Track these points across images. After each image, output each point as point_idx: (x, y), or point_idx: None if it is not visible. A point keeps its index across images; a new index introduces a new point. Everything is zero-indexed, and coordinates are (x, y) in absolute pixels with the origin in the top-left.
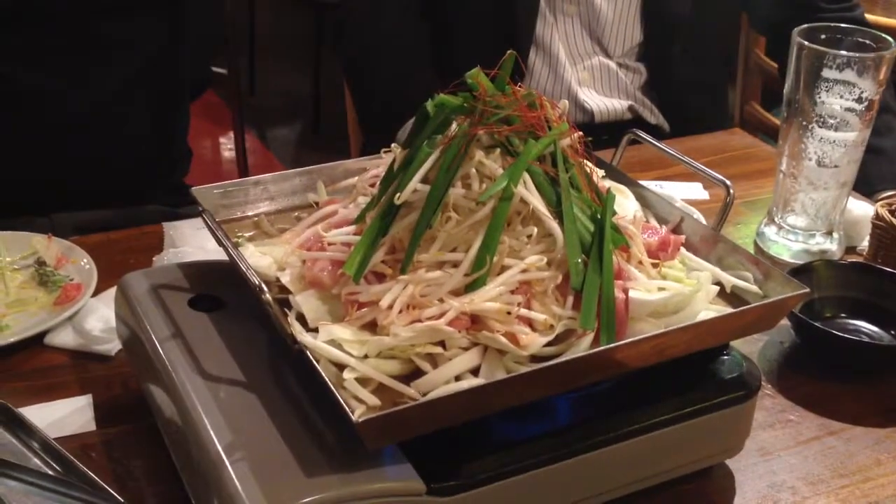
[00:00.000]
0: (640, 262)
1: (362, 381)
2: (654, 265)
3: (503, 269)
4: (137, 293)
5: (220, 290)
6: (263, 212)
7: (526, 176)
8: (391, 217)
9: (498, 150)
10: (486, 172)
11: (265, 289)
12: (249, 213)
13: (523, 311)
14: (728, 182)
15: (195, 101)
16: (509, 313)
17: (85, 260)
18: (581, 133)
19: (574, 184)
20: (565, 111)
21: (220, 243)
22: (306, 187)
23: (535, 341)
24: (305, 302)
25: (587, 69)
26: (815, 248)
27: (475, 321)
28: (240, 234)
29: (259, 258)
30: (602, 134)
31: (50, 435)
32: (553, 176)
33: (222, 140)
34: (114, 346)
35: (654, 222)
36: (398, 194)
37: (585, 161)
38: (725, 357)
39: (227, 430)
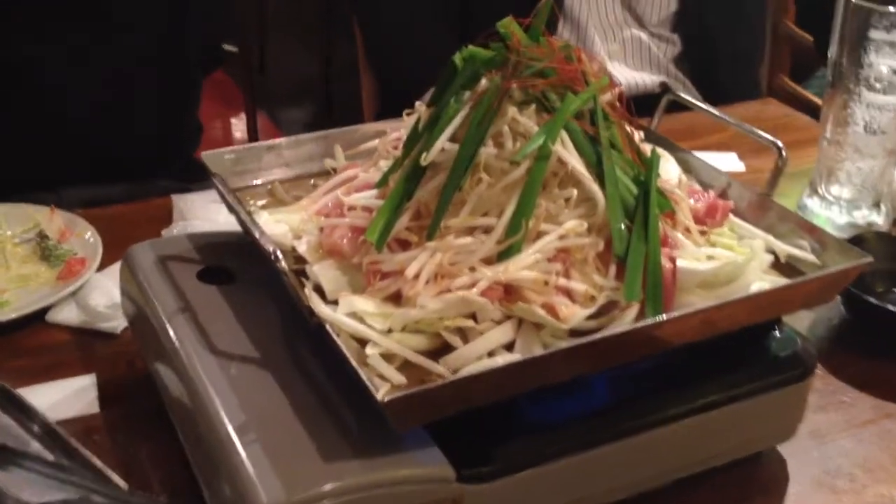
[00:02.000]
0: (687, 230)
1: (386, 357)
2: (702, 233)
3: (539, 235)
4: (143, 266)
5: (231, 262)
6: (278, 179)
7: (564, 134)
8: (416, 180)
9: (533, 107)
10: (521, 130)
11: (280, 256)
12: (263, 181)
13: (562, 281)
14: (780, 143)
15: (207, 76)
16: (547, 283)
17: (89, 233)
18: (622, 88)
19: (614, 144)
20: (604, 66)
21: (231, 210)
22: (324, 153)
23: (575, 314)
24: (323, 272)
25: (618, 41)
26: (861, 220)
27: (509, 292)
28: (252, 202)
29: (274, 226)
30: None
31: (51, 417)
32: (592, 135)
33: (233, 121)
34: (119, 323)
35: (698, 188)
36: (424, 154)
37: (626, 120)
38: (778, 333)
39: (240, 410)
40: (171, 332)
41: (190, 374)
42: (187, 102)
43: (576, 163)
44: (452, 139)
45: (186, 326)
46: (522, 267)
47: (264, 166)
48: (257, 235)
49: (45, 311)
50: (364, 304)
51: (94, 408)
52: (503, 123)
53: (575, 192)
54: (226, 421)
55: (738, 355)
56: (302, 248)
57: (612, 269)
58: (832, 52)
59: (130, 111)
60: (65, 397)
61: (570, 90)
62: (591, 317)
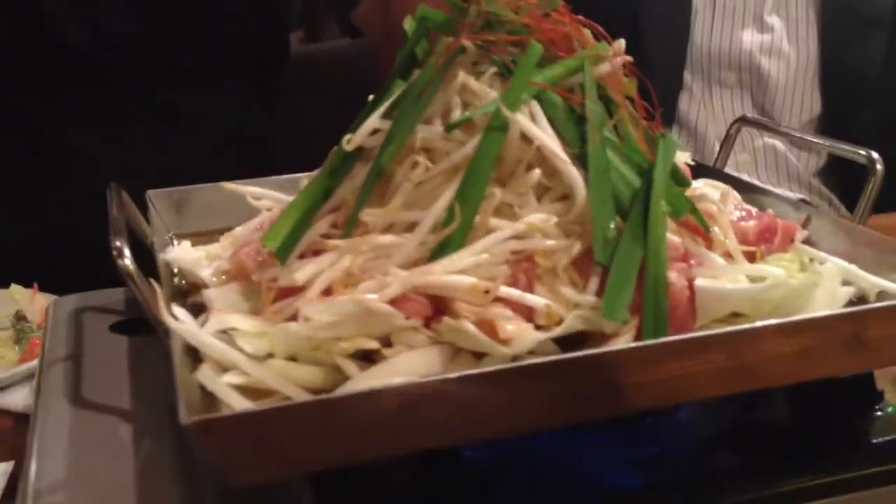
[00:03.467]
0: (728, 254)
1: (256, 392)
2: (749, 257)
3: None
4: (57, 318)
5: None
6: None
7: (535, 106)
8: (342, 173)
9: (491, 71)
10: (476, 103)
11: (126, 252)
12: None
13: (507, 291)
14: (874, 154)
15: None
16: (487, 292)
17: None
18: (630, 59)
19: (618, 128)
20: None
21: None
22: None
23: (522, 335)
24: (220, 296)
25: (748, 151)
26: None
27: (442, 309)
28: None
29: (186, 252)
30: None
31: None
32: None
33: None
34: None
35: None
36: (348, 137)
37: (637, 103)
38: (878, 413)
39: (60, 468)
40: (42, 378)
41: (35, 421)
42: None
43: (548, 140)
44: (389, 117)
45: (61, 374)
46: (455, 270)
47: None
48: (116, 244)
49: None
50: (240, 321)
51: None
52: (452, 93)
53: (538, 174)
54: (31, 477)
55: (812, 437)
56: (206, 272)
57: (594, 282)
58: None
59: None
60: None
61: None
62: (565, 347)
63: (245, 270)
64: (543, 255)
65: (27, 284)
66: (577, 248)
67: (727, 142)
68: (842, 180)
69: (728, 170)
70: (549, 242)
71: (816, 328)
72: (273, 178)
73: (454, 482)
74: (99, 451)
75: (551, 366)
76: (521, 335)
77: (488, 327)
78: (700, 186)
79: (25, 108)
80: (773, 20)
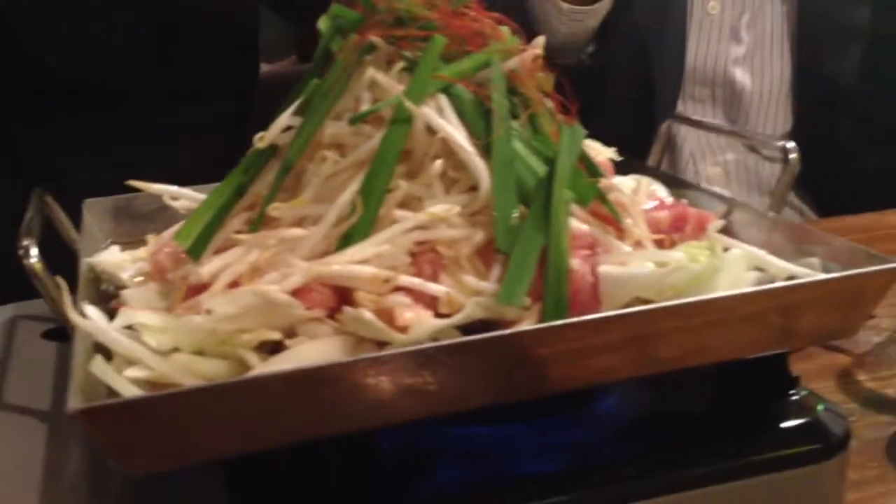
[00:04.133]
0: (639, 243)
1: (163, 386)
2: (660, 244)
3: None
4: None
5: None
6: None
7: (442, 99)
8: (255, 170)
9: (399, 66)
10: (385, 97)
11: (32, 251)
12: None
13: (412, 281)
14: (789, 145)
15: None
16: (387, 281)
17: None
18: (541, 55)
19: (524, 119)
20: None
21: None
22: None
23: (420, 322)
24: (136, 295)
25: (719, 164)
26: None
27: (346, 299)
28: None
29: (111, 255)
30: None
31: None
32: (486, 102)
33: None
34: None
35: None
36: (260, 135)
37: (550, 96)
38: (793, 398)
39: None
40: None
41: None
42: None
43: (452, 132)
44: (302, 115)
45: None
46: (355, 260)
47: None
48: (24, 243)
49: None
50: (147, 317)
51: None
52: (361, 89)
53: (440, 165)
54: None
55: (728, 422)
56: (126, 274)
57: (496, 270)
58: None
59: None
60: None
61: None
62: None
63: (163, 270)
64: (446, 245)
65: None
66: (480, 237)
67: (658, 139)
68: (814, 191)
69: (703, 184)
70: (452, 232)
71: (705, 309)
72: None
73: (372, 473)
74: (9, 448)
75: (430, 352)
76: (419, 322)
77: (387, 316)
78: (622, 180)
79: (29, 136)
80: (747, 34)
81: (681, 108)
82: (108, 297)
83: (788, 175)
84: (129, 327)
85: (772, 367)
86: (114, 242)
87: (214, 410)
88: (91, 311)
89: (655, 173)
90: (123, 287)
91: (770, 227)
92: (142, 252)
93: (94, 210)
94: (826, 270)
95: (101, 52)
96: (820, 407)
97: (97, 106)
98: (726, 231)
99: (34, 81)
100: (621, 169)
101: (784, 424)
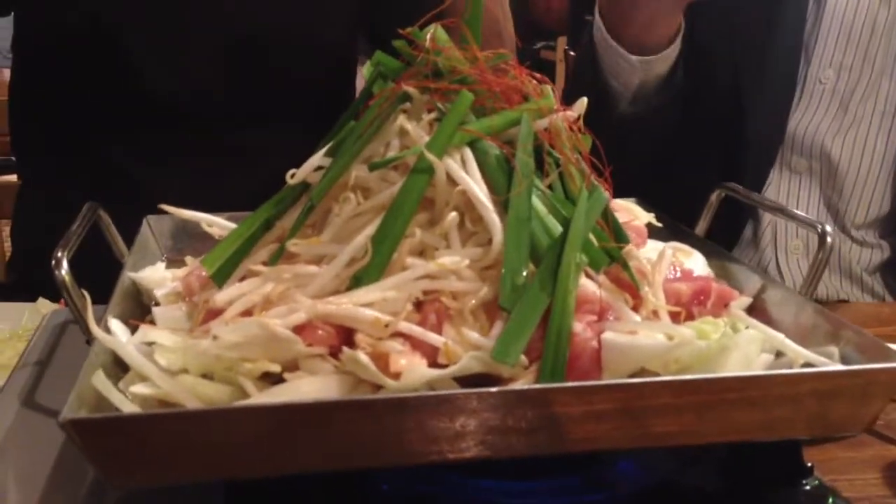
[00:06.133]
0: (655, 314)
1: (169, 404)
2: (676, 317)
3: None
4: (48, 326)
5: None
6: None
7: (467, 152)
8: (286, 205)
9: (429, 117)
10: (412, 146)
11: (63, 264)
12: None
13: (413, 329)
14: (823, 227)
15: None
16: (387, 326)
17: None
18: (575, 117)
19: (552, 178)
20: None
21: None
22: None
23: (413, 370)
24: (164, 314)
25: (800, 237)
26: None
27: (349, 340)
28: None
29: (155, 272)
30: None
31: None
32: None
33: None
34: None
35: (705, 272)
36: (292, 172)
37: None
38: (805, 487)
39: None
40: (9, 380)
41: None
42: None
43: (472, 185)
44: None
45: (27, 376)
46: (360, 302)
47: None
48: (57, 255)
49: None
50: (163, 336)
51: None
52: (391, 136)
53: (455, 217)
54: None
55: None
56: (161, 291)
57: (499, 326)
58: None
59: None
60: None
61: (500, 107)
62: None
63: (192, 292)
64: (452, 297)
65: (55, 299)
66: (487, 292)
67: (708, 209)
68: (892, 276)
69: (780, 255)
70: (459, 284)
71: (695, 389)
72: None
73: None
74: (28, 446)
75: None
76: (412, 370)
77: (382, 360)
78: (660, 247)
79: (103, 145)
80: (859, 109)
81: (775, 176)
82: (148, 312)
83: (823, 260)
84: (149, 344)
85: (785, 455)
86: (168, 259)
87: (197, 435)
88: (115, 324)
89: (698, 242)
90: (157, 304)
91: (798, 311)
92: (182, 272)
93: (154, 226)
94: (844, 361)
95: (190, 74)
96: (830, 500)
97: (185, 126)
98: (758, 309)
99: (120, 95)
100: (666, 235)
101: None
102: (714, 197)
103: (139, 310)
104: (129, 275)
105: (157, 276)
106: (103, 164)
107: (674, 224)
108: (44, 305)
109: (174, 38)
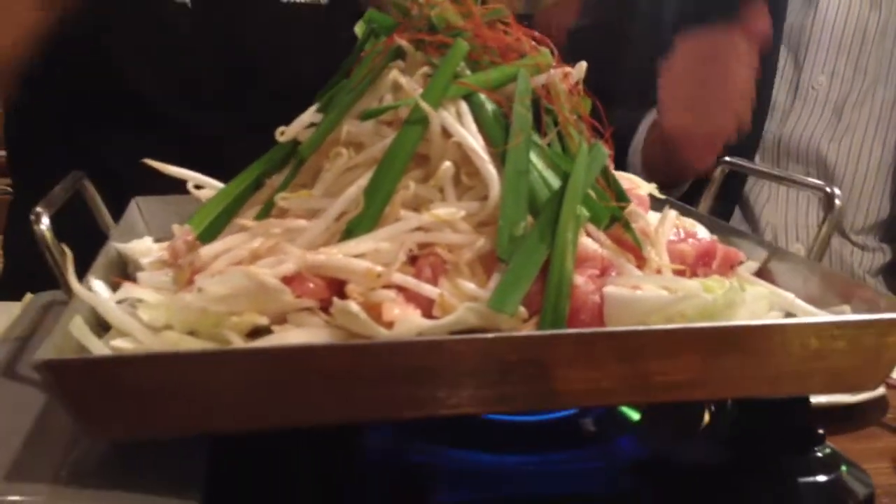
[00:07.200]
0: (659, 272)
1: None
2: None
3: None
4: (30, 308)
5: None
6: None
7: (462, 105)
8: (275, 164)
9: (423, 70)
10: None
11: (44, 219)
12: None
13: (406, 280)
14: (836, 190)
15: None
16: (380, 276)
17: None
18: (570, 71)
19: (550, 136)
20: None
21: None
22: None
23: (407, 320)
24: (149, 278)
25: (801, 241)
26: None
27: (338, 292)
28: None
29: (142, 244)
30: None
31: None
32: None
33: None
34: None
35: (704, 235)
36: (281, 129)
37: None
38: (819, 454)
39: None
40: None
41: None
42: None
43: (468, 137)
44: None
45: (7, 352)
46: (351, 253)
47: None
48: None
49: None
50: (146, 293)
51: None
52: (384, 90)
53: (450, 169)
54: None
55: (746, 475)
56: (146, 259)
57: (496, 278)
58: None
59: None
60: None
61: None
62: None
63: (178, 255)
64: (447, 249)
65: None
66: (483, 244)
67: (711, 185)
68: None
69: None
70: (454, 237)
71: (700, 338)
72: None
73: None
74: (6, 413)
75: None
76: (405, 319)
77: (375, 311)
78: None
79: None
80: (853, 115)
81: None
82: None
83: (831, 223)
84: (132, 304)
85: (795, 423)
86: (155, 239)
87: (179, 381)
88: (96, 284)
89: (700, 216)
90: (142, 270)
91: (808, 275)
92: (168, 243)
93: (142, 206)
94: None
95: (181, 84)
96: (844, 468)
97: (170, 129)
98: (763, 275)
99: (116, 96)
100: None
101: (804, 480)
102: (718, 172)
103: (124, 278)
104: (113, 245)
105: (143, 247)
106: (99, 163)
107: (674, 200)
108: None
109: (172, 49)
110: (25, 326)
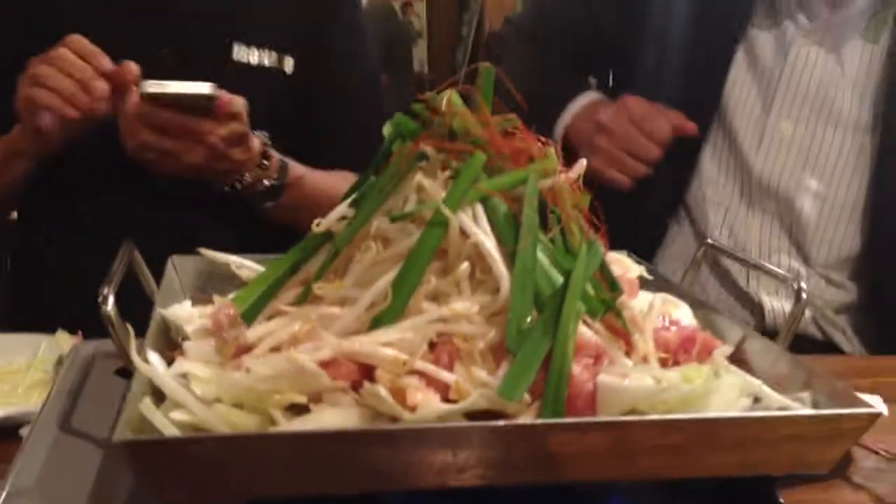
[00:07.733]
0: (645, 360)
1: (199, 429)
2: (664, 364)
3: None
4: (75, 359)
5: None
6: None
7: (479, 208)
8: (312, 251)
9: (445, 174)
10: (428, 200)
11: (110, 300)
12: None
13: (427, 367)
14: (802, 285)
15: None
16: (405, 364)
17: None
18: (573, 176)
19: (555, 233)
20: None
21: None
22: None
23: (428, 404)
24: (195, 348)
25: (764, 258)
26: None
27: (368, 376)
28: None
29: (183, 310)
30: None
31: None
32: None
33: None
34: None
35: (689, 323)
36: (317, 221)
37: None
38: None
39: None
40: (44, 410)
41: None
42: None
43: (482, 238)
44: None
45: (58, 407)
46: (380, 342)
47: None
48: (104, 292)
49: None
50: (197, 368)
51: None
52: (409, 191)
53: (467, 267)
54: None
55: None
56: (191, 327)
57: (504, 367)
58: None
59: None
60: None
61: (506, 166)
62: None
63: (221, 328)
64: (463, 339)
65: (73, 331)
66: (494, 335)
67: (693, 264)
68: (860, 318)
69: (764, 296)
70: (469, 328)
71: (680, 427)
72: None
73: None
74: (69, 470)
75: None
76: (427, 404)
77: (400, 395)
78: (650, 298)
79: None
80: (819, 159)
81: (747, 214)
82: (175, 346)
83: (798, 312)
84: (184, 375)
85: (761, 493)
86: (192, 298)
87: (234, 457)
88: (153, 357)
89: (684, 294)
90: (187, 338)
91: (775, 360)
92: (208, 310)
93: (178, 266)
94: (815, 407)
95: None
96: None
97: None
98: (739, 357)
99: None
100: (655, 287)
101: None
102: (700, 254)
103: (169, 343)
104: (159, 311)
105: (185, 314)
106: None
107: (662, 277)
108: (63, 338)
109: None
110: (73, 381)
